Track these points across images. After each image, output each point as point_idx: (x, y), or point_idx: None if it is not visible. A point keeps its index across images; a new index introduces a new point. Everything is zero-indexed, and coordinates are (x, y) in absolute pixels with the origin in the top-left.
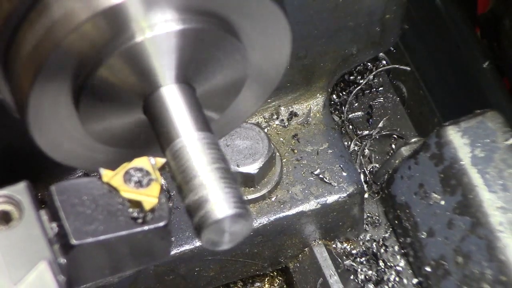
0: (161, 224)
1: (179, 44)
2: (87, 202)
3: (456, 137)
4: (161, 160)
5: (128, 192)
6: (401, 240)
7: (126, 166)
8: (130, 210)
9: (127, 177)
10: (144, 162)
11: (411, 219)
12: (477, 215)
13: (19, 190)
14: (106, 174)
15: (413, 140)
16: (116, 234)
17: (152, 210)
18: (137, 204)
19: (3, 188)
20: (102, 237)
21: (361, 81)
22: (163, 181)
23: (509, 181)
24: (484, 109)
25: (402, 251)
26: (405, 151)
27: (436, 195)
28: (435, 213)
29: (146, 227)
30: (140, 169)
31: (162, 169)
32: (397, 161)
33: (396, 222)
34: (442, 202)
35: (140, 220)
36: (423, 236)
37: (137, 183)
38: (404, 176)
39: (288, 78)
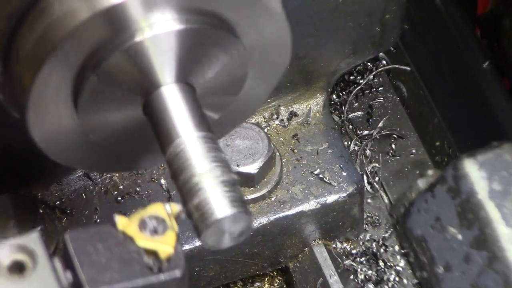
0: (177, 273)
1: (179, 44)
2: (101, 250)
3: (473, 170)
4: (176, 208)
5: (144, 240)
6: (417, 274)
7: (141, 214)
8: (146, 258)
9: (142, 225)
10: (160, 209)
11: (428, 253)
12: (494, 250)
13: (32, 239)
14: (121, 222)
15: (429, 172)
16: (131, 283)
17: (168, 259)
18: (152, 253)
19: (16, 237)
20: (117, 285)
21: (361, 81)
22: (163, 181)
23: None
24: (501, 141)
25: (402, 251)
26: (421, 183)
27: (453, 229)
28: (452, 247)
29: (161, 277)
30: (156, 217)
31: (178, 217)
32: (413, 194)
33: (413, 255)
34: (459, 236)
35: (155, 269)
36: (440, 271)
37: (152, 231)
38: (420, 209)
39: (288, 78)
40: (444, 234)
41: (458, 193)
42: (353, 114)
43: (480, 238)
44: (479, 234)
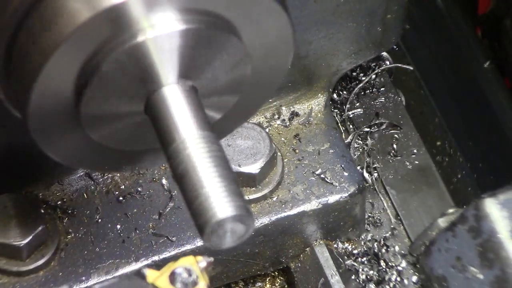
0: None
1: (180, 44)
2: None
3: (495, 210)
4: (206, 260)
5: None
6: None
7: (171, 266)
8: None
9: (172, 277)
10: (191, 262)
11: None
12: None
13: None
14: (151, 275)
15: (450, 210)
16: None
17: None
18: None
19: None
20: None
21: (363, 78)
22: (164, 181)
23: None
24: None
25: (403, 251)
26: (442, 222)
27: (473, 269)
28: (472, 287)
29: None
30: (186, 270)
31: (208, 269)
32: (434, 233)
33: None
34: (480, 276)
35: None
36: None
37: (183, 284)
38: (441, 248)
39: (289, 78)
40: (465, 274)
41: (479, 233)
42: (354, 113)
43: (501, 278)
44: (500, 274)
